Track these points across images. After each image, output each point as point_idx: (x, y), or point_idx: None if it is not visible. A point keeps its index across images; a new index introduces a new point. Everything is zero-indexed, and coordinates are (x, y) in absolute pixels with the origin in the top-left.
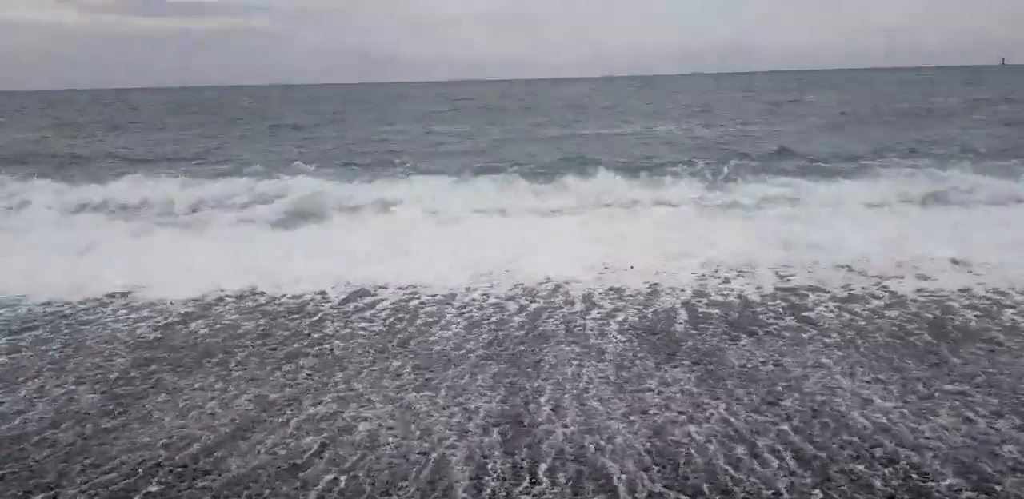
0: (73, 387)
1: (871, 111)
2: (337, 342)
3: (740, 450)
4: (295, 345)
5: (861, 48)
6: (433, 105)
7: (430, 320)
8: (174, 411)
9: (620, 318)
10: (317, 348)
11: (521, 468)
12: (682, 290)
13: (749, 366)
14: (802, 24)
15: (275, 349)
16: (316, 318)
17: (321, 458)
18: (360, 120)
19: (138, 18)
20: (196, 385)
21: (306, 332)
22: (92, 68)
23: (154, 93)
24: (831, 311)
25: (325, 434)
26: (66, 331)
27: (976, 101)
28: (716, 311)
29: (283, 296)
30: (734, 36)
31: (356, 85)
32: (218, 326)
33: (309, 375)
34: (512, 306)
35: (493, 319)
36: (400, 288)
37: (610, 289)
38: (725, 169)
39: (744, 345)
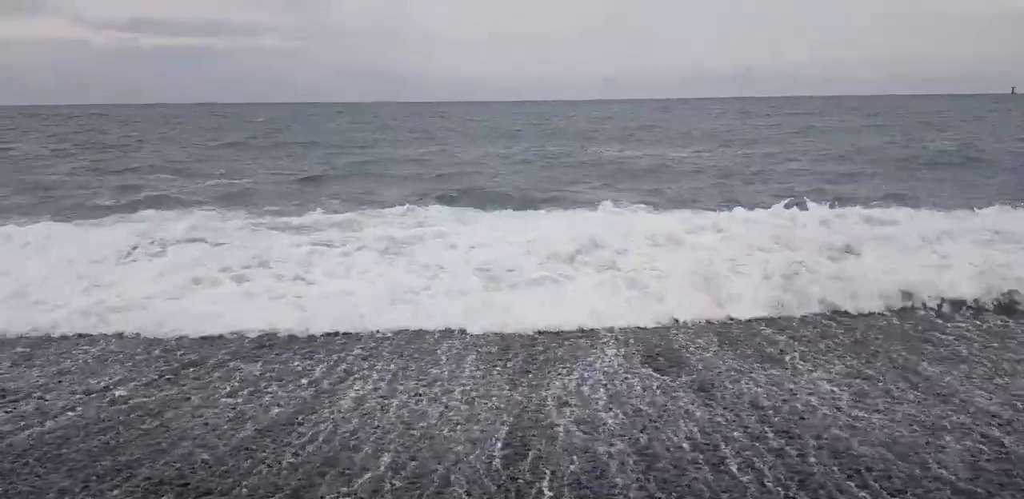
0: None
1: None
2: None
3: None
4: None
5: (871, 76)
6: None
7: None
8: None
9: None
10: None
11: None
12: None
13: None
14: (811, 51)
15: None
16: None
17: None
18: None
19: (153, 37)
20: None
21: None
22: (107, 85)
23: (175, 109)
24: None
25: None
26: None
27: None
28: None
29: None
30: (744, 62)
31: (371, 104)
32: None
33: None
34: None
35: None
36: None
37: None
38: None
39: None
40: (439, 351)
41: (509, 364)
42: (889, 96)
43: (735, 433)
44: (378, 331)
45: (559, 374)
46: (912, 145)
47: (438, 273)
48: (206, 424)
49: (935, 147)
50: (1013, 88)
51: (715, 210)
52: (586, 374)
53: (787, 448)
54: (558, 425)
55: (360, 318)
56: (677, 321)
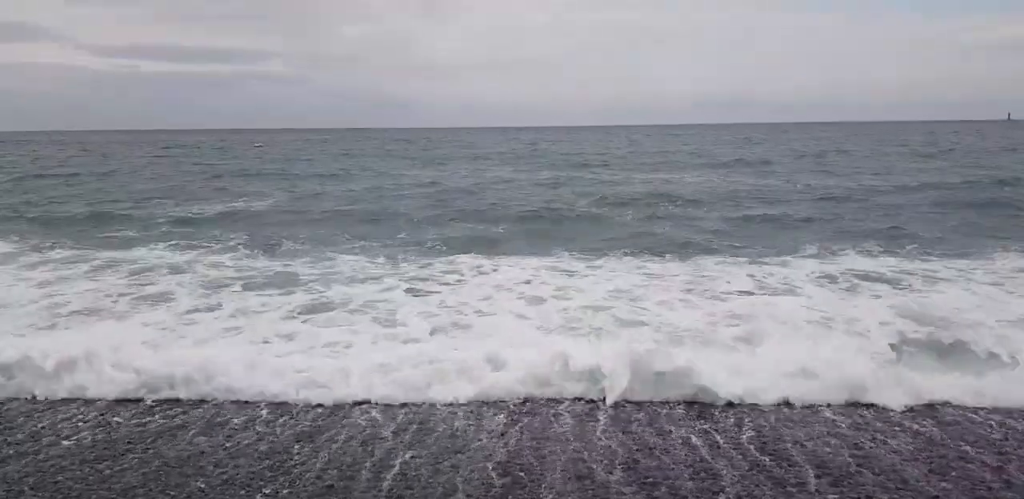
0: None
1: None
2: None
3: None
4: None
5: (867, 102)
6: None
7: None
8: None
9: None
10: None
11: None
12: None
13: None
14: (807, 79)
15: None
16: None
17: None
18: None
19: (152, 62)
20: None
21: None
22: (107, 110)
23: (178, 135)
24: None
25: None
26: None
27: None
28: None
29: None
30: (740, 89)
31: (375, 130)
32: None
33: None
34: None
35: None
36: None
37: None
38: None
39: None
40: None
41: None
42: (887, 122)
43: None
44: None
45: None
46: None
47: None
48: (202, 453)
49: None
50: (1009, 114)
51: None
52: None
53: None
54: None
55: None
56: None
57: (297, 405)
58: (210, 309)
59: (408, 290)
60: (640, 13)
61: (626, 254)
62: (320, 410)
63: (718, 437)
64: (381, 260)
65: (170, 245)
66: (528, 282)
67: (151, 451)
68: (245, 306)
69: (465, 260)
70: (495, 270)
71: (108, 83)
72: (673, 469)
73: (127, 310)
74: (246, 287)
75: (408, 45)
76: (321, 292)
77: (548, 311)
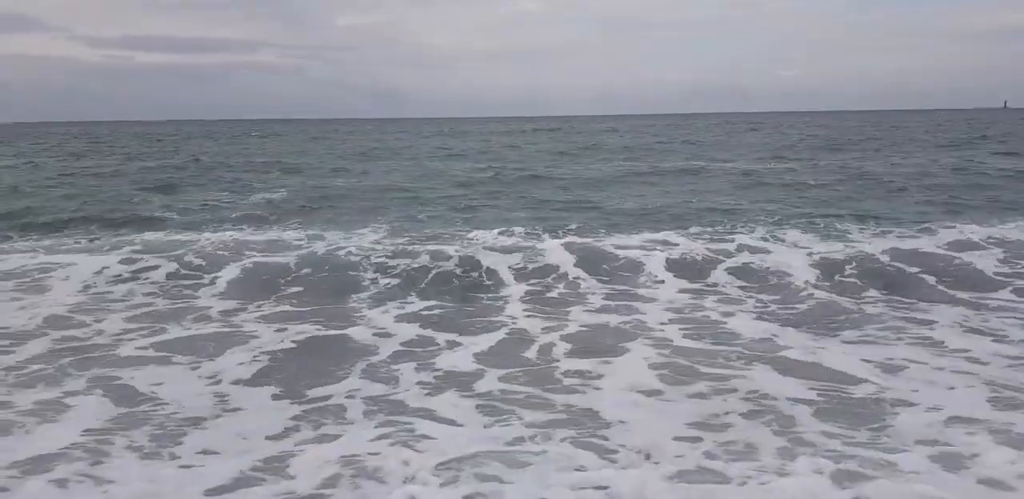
0: None
1: None
2: None
3: None
4: None
5: (864, 92)
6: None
7: None
8: None
9: None
10: None
11: None
12: None
13: None
14: (803, 68)
15: None
16: None
17: None
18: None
19: (147, 53)
20: None
21: None
22: (101, 101)
23: (178, 125)
24: None
25: None
26: None
27: None
28: None
29: None
30: (739, 79)
31: (376, 121)
32: None
33: None
34: None
35: None
36: None
37: None
38: None
39: None
40: None
41: None
42: (886, 111)
43: None
44: None
45: None
46: None
47: None
48: None
49: None
50: (1005, 102)
51: None
52: None
53: None
54: None
55: None
56: None
57: None
58: None
59: None
60: (638, 3)
61: None
62: None
63: None
64: None
65: None
66: None
67: None
68: None
69: None
70: None
71: (101, 75)
72: None
73: None
74: None
75: (403, 35)
76: None
77: None
